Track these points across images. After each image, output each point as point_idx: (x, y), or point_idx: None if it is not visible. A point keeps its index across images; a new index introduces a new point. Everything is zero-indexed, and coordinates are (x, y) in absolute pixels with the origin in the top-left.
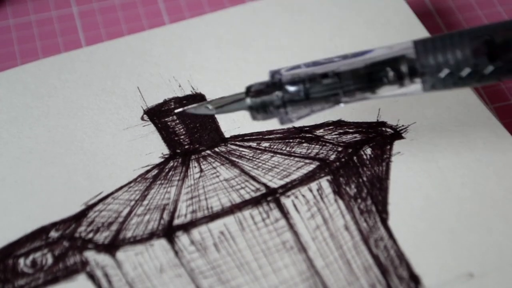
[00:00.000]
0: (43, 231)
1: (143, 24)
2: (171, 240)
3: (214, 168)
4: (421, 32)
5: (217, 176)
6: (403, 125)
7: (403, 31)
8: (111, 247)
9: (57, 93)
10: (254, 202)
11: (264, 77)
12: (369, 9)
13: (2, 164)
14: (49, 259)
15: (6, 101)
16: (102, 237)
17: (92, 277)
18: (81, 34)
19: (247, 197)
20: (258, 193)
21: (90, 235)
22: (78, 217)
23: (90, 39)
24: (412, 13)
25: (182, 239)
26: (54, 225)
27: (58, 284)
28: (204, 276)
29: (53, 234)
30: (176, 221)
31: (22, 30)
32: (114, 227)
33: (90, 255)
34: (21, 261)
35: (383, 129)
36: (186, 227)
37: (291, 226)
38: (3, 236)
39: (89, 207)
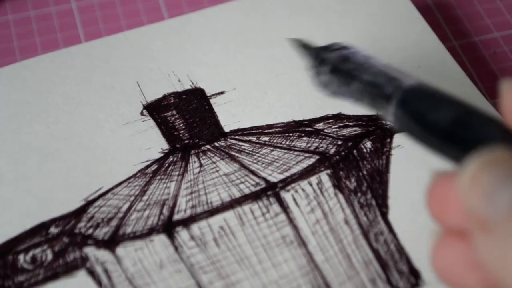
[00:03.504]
0: (42, 227)
1: (142, 20)
2: (171, 236)
3: (214, 162)
4: (423, 26)
5: (217, 171)
6: None
7: (404, 24)
8: (111, 243)
9: (56, 89)
10: (254, 196)
11: (263, 71)
12: (369, 2)
13: (1, 160)
14: (49, 255)
15: (5, 97)
16: (102, 232)
17: (92, 273)
18: (80, 30)
19: (246, 191)
20: (258, 188)
21: (90, 231)
22: (78, 213)
23: (89, 34)
24: (413, 7)
25: (182, 234)
26: (53, 221)
27: (58, 280)
28: (204, 271)
29: (53, 230)
30: (176, 216)
31: (21, 26)
32: (114, 223)
33: (90, 251)
34: (21, 257)
35: (383, 122)
36: (186, 222)
37: (291, 221)
38: (2, 232)
39: (89, 203)
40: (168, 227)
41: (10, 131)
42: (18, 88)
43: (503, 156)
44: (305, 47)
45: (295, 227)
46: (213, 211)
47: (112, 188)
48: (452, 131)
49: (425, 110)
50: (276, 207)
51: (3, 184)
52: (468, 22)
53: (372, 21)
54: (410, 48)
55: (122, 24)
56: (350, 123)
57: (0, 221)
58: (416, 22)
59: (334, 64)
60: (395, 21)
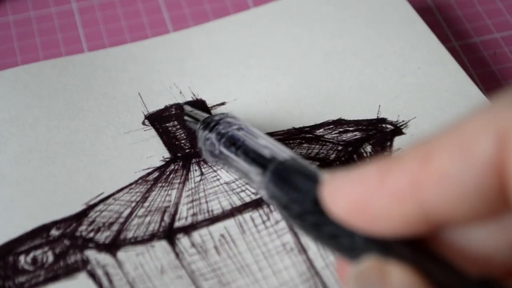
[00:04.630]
0: (43, 229)
1: (142, 21)
2: (172, 242)
3: (215, 171)
4: (422, 28)
5: (218, 179)
6: (403, 121)
7: (403, 28)
8: (112, 247)
9: (57, 94)
10: (255, 204)
11: (264, 81)
12: (368, 7)
13: (2, 162)
14: (50, 257)
15: (6, 99)
16: (103, 236)
17: (93, 275)
18: (80, 31)
19: (247, 199)
20: (259, 196)
21: (91, 235)
22: (79, 217)
23: (90, 35)
24: (412, 9)
25: (183, 241)
26: (54, 224)
27: (59, 281)
28: (205, 278)
29: (54, 232)
30: (177, 224)
31: (21, 27)
32: (115, 227)
33: (91, 254)
34: (22, 258)
35: (383, 125)
36: (187, 230)
37: (291, 228)
38: (3, 233)
39: (90, 207)
40: (169, 233)
41: (11, 134)
42: (19, 91)
43: (372, 267)
44: (189, 117)
45: (295, 234)
46: (214, 219)
47: (113, 194)
48: (314, 210)
49: (291, 186)
50: (276, 215)
51: (3, 185)
52: (469, 22)
53: (371, 26)
54: (410, 51)
55: (122, 25)
56: (350, 128)
57: (1, 222)
58: (415, 24)
59: (213, 149)
60: (394, 25)
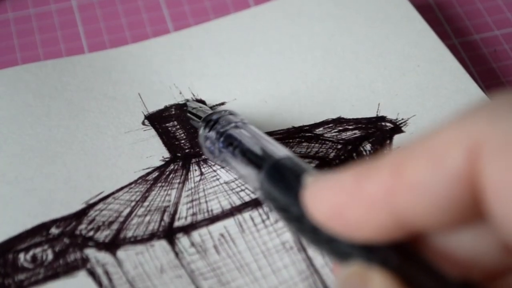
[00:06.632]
0: (43, 227)
1: (142, 18)
2: (172, 242)
3: (214, 171)
4: (421, 25)
5: (217, 179)
6: (402, 119)
7: (403, 25)
8: (111, 246)
9: (58, 94)
10: (254, 204)
11: (264, 80)
12: (367, 5)
13: (2, 160)
14: (49, 255)
15: (6, 98)
16: (103, 235)
17: (92, 274)
18: (80, 28)
19: (247, 199)
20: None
21: (91, 233)
22: (79, 215)
23: (90, 33)
24: (411, 7)
25: (183, 241)
26: (54, 222)
27: (59, 279)
28: (204, 278)
29: (54, 230)
30: (177, 223)
31: (21, 24)
32: (114, 226)
33: (91, 252)
34: (21, 256)
35: (383, 123)
36: (187, 229)
37: None
38: (3, 231)
39: (90, 206)
40: (169, 233)
41: (11, 132)
42: (19, 90)
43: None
44: (191, 114)
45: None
46: (213, 219)
47: (113, 193)
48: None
49: (284, 186)
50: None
51: (4, 183)
52: (469, 20)
53: (371, 24)
54: (410, 48)
55: (122, 22)
56: (350, 127)
57: (0, 220)
58: (415, 22)
59: (213, 148)
60: (394, 23)
